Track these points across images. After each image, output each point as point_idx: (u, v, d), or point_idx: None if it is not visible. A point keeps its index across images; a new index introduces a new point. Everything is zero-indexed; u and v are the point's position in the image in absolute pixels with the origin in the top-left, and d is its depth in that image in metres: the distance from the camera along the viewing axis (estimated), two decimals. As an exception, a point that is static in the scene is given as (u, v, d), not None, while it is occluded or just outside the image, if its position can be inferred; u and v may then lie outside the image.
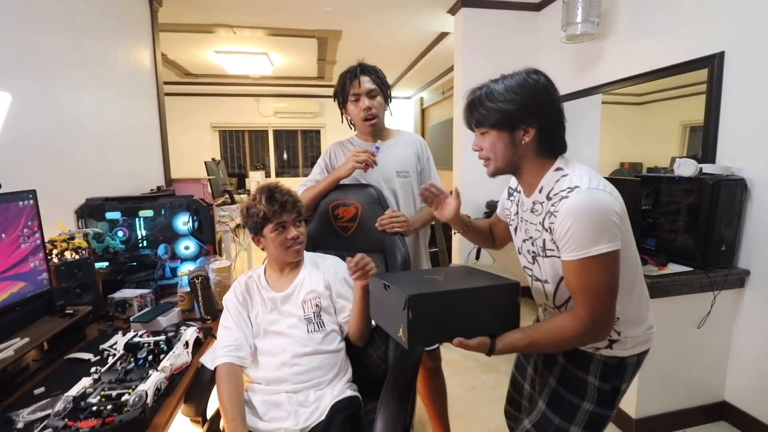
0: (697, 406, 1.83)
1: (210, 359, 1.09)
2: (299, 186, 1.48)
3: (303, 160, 7.45)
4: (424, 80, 5.92)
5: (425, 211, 1.48)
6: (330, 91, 5.94)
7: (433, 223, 2.07)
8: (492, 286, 0.86)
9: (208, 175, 3.25)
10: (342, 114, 1.50)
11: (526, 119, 0.87)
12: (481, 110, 0.90)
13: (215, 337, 1.28)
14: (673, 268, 1.74)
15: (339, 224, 1.38)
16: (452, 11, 3.11)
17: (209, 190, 3.15)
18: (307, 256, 1.27)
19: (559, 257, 0.86)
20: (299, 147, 7.41)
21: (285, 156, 7.40)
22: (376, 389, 1.14)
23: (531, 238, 0.96)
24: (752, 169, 1.67)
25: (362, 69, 1.40)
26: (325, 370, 1.10)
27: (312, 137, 7.40)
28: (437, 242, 3.11)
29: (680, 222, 1.79)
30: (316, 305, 1.16)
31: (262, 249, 1.23)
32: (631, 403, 1.76)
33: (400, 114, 7.20)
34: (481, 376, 2.32)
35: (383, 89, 1.42)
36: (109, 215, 1.58)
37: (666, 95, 2.23)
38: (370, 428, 1.01)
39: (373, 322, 1.16)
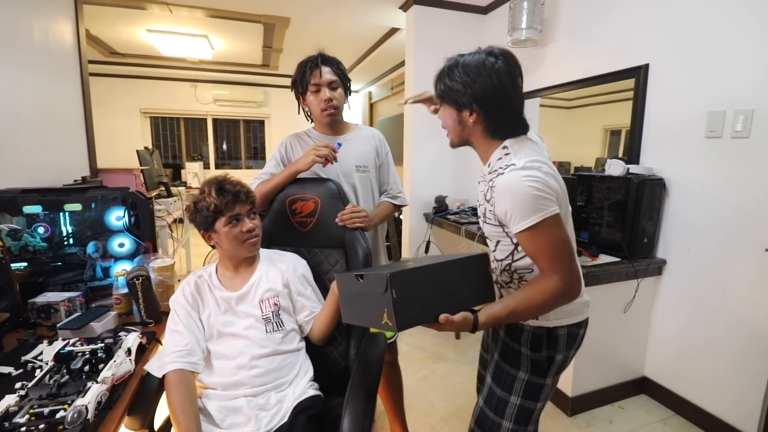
0: (622, 382, 2.04)
1: (157, 366, 1.01)
2: (253, 179, 1.41)
3: (246, 152, 7.12)
4: (374, 75, 5.90)
5: (384, 206, 1.48)
6: (276, 81, 5.73)
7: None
8: (466, 257, 0.89)
9: (141, 166, 2.98)
10: (300, 104, 1.45)
11: (470, 103, 0.92)
12: (440, 84, 0.97)
13: (160, 342, 1.18)
14: (604, 258, 1.91)
15: (297, 219, 1.33)
16: (404, 7, 3.12)
17: (143, 182, 2.89)
18: (263, 252, 1.21)
19: (496, 225, 0.94)
20: (241, 137, 7.06)
21: (225, 146, 7.01)
22: (338, 386, 1.13)
23: (478, 203, 1.04)
24: (670, 171, 1.88)
25: (323, 59, 1.36)
26: (285, 370, 1.07)
27: (255, 127, 7.08)
28: (389, 236, 3.13)
29: (609, 217, 1.97)
30: (275, 304, 1.12)
31: (213, 246, 1.16)
32: (567, 383, 1.92)
33: (351, 108, 7.13)
34: (432, 366, 2.39)
35: (344, 81, 1.39)
36: (28, 209, 1.38)
37: (591, 101, 2.44)
38: (334, 426, 1.00)
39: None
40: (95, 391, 0.82)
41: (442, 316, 0.81)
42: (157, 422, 1.06)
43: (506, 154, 0.92)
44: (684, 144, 1.82)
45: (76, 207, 1.43)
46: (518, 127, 0.96)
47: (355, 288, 0.87)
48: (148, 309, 1.26)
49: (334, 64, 1.37)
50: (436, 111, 1.15)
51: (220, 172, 1.17)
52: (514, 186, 0.85)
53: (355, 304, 0.89)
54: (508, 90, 0.92)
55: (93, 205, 1.45)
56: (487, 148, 0.98)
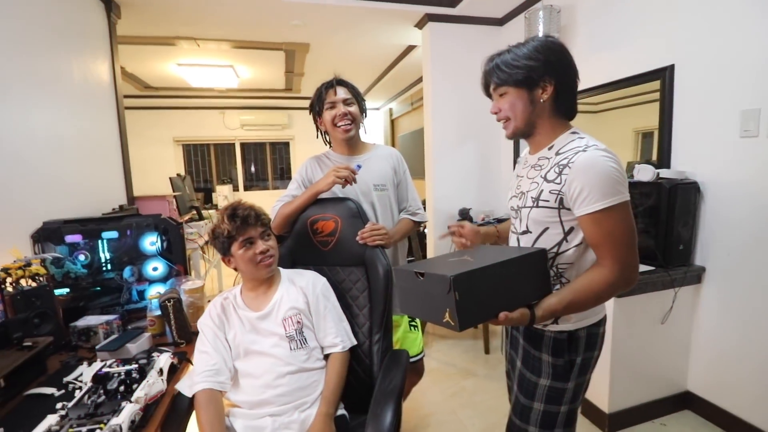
0: (663, 397, 1.92)
1: (187, 386, 1.04)
2: (276, 201, 1.45)
3: (272, 173, 7.33)
4: (393, 91, 6.00)
5: (404, 223, 1.49)
6: (299, 103, 5.90)
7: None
8: (527, 254, 0.88)
9: (174, 191, 3.13)
10: (317, 127, 1.50)
11: (546, 76, 0.91)
12: (504, 69, 0.94)
13: (191, 362, 1.22)
14: (637, 267, 1.83)
15: (318, 239, 1.36)
16: (419, 25, 3.18)
17: (175, 207, 3.03)
18: (284, 273, 1.25)
19: (555, 208, 0.90)
20: (268, 159, 7.29)
21: (253, 169, 7.25)
22: (363, 405, 1.13)
23: (521, 192, 1.00)
24: (703, 173, 1.80)
25: (339, 81, 1.43)
26: (310, 389, 1.08)
27: (281, 149, 7.31)
28: (413, 252, 3.12)
29: (641, 224, 1.89)
30: (298, 322, 1.14)
31: (235, 269, 1.20)
32: (603, 398, 1.83)
33: (370, 125, 7.25)
34: (461, 382, 2.33)
35: (359, 100, 1.43)
36: (69, 238, 1.48)
37: (620, 104, 2.36)
38: (358, 446, 1.00)
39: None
40: (129, 411, 0.86)
41: (502, 315, 0.81)
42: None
43: (580, 138, 0.92)
44: (717, 145, 1.74)
45: (113, 234, 1.52)
46: (577, 108, 0.98)
47: (412, 285, 0.87)
48: (180, 330, 1.31)
49: (348, 85, 1.43)
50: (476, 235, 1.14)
51: (236, 199, 1.23)
52: (599, 163, 0.83)
53: (413, 298, 0.88)
54: (574, 65, 0.95)
55: (128, 232, 1.54)
56: (551, 131, 0.96)
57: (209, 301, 1.26)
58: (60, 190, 1.90)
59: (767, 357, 1.63)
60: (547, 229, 0.94)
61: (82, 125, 2.19)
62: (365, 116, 1.50)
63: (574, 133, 0.95)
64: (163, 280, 1.59)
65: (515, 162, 1.18)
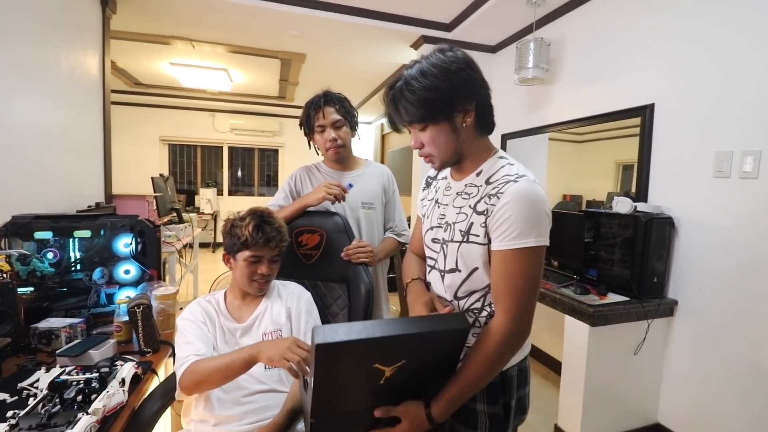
0: (634, 428, 1.93)
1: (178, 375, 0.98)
2: None
3: (259, 179, 7.27)
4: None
5: (388, 242, 1.49)
6: (291, 111, 5.89)
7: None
8: (438, 330, 0.73)
9: (155, 192, 3.06)
10: (309, 141, 1.50)
11: (463, 100, 0.80)
12: (408, 106, 0.80)
13: (156, 373, 1.18)
14: (612, 297, 1.86)
15: (302, 251, 1.35)
16: (415, 46, 3.25)
17: (155, 208, 2.96)
18: (272, 284, 1.22)
19: (485, 245, 0.81)
20: (256, 165, 7.23)
21: (240, 173, 7.17)
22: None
23: (447, 223, 0.89)
24: (678, 209, 1.86)
25: (326, 99, 1.40)
26: (278, 410, 1.04)
27: (270, 156, 7.26)
28: (395, 269, 3.11)
29: (618, 254, 1.93)
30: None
31: (230, 269, 1.17)
32: (575, 427, 1.83)
33: (362, 139, 7.29)
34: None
35: (349, 119, 1.43)
36: (39, 235, 1.42)
37: (603, 135, 2.44)
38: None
39: None
40: (84, 424, 0.81)
41: (378, 411, 0.76)
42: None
43: (509, 164, 0.84)
44: (692, 183, 1.80)
45: (86, 234, 1.47)
46: (494, 122, 0.88)
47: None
48: (147, 338, 1.26)
49: (337, 102, 1.41)
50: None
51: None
52: (532, 198, 0.76)
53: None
54: (481, 75, 0.84)
55: (102, 232, 1.49)
56: (477, 156, 0.87)
57: (182, 308, 1.22)
58: (34, 182, 1.84)
59: (734, 392, 1.66)
60: (477, 269, 0.84)
61: (64, 117, 2.13)
62: (357, 130, 1.50)
63: (501, 158, 0.87)
64: (135, 284, 1.53)
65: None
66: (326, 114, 1.38)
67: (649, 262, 1.81)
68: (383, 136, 7.05)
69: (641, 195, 2.00)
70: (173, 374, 1.04)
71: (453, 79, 0.79)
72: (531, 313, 0.80)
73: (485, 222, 0.80)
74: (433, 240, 0.94)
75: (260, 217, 1.11)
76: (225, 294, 1.19)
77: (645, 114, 1.97)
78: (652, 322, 1.83)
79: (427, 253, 0.98)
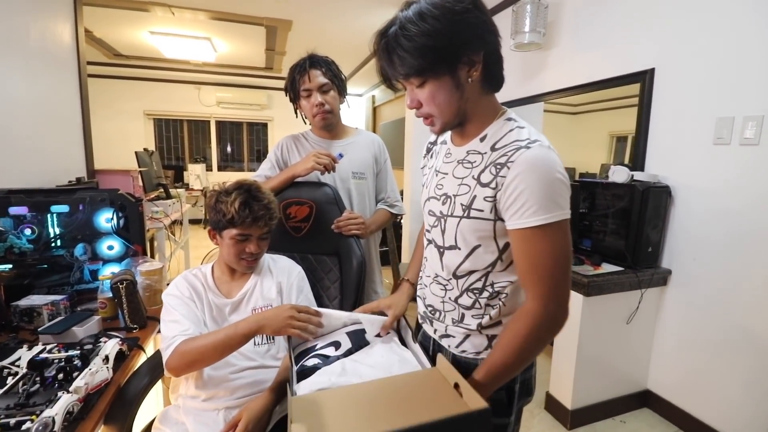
0: (624, 395, 1.97)
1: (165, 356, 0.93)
2: None
3: (248, 154, 7.11)
4: (377, 78, 5.87)
5: (380, 214, 1.44)
6: (279, 83, 5.70)
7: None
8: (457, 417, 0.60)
9: (140, 167, 2.96)
10: (295, 109, 1.42)
11: (469, 49, 0.68)
12: (403, 56, 0.68)
13: (143, 349, 1.15)
14: (607, 267, 1.85)
15: (291, 224, 1.30)
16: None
17: (140, 183, 2.87)
18: (262, 257, 1.16)
19: (491, 220, 0.72)
20: (244, 140, 7.06)
21: (229, 149, 7.01)
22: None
23: (445, 195, 0.80)
24: (675, 178, 1.83)
25: (312, 62, 1.32)
26: (267, 385, 1.02)
27: (259, 130, 7.09)
28: (388, 242, 3.09)
29: (613, 225, 1.91)
30: None
31: (216, 245, 1.12)
32: (567, 395, 1.86)
33: (352, 111, 7.13)
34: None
35: (336, 83, 1.35)
36: (14, 210, 1.35)
37: (597, 107, 2.39)
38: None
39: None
40: (64, 402, 0.78)
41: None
42: (136, 430, 1.02)
43: (519, 127, 0.73)
44: (691, 151, 1.77)
45: (63, 209, 1.40)
46: (503, 77, 0.76)
47: None
48: (133, 314, 1.23)
49: (323, 65, 1.33)
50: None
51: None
52: (544, 166, 0.66)
53: None
54: (491, 19, 0.72)
55: (81, 207, 1.42)
56: (483, 117, 0.76)
57: (169, 284, 1.17)
58: (7, 156, 1.75)
59: (727, 362, 1.69)
60: (479, 246, 0.76)
61: (37, 88, 2.01)
62: (345, 95, 1.42)
63: (510, 120, 0.75)
64: (119, 260, 1.48)
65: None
66: (312, 77, 1.30)
67: (645, 232, 1.79)
68: (374, 109, 6.89)
69: (638, 164, 1.96)
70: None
71: (458, 22, 0.66)
72: (566, 295, 0.71)
73: (494, 196, 0.70)
74: (430, 212, 0.85)
75: (247, 193, 1.02)
76: (212, 268, 1.13)
77: (645, 79, 1.91)
78: (646, 292, 1.84)
79: (426, 226, 0.90)
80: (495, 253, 0.76)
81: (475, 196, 0.74)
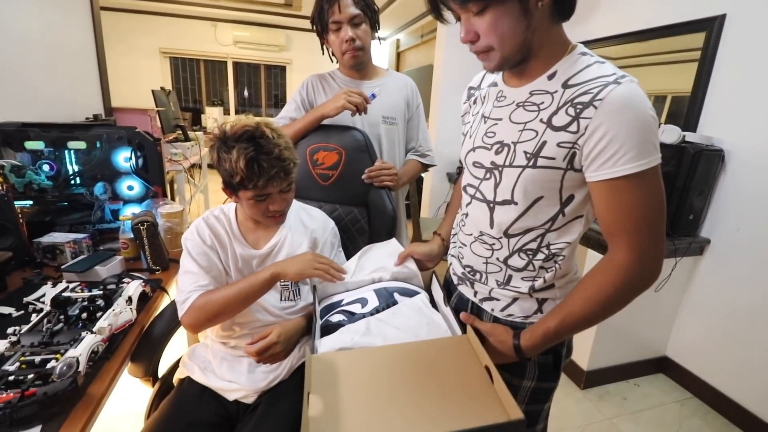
0: (641, 360, 1.95)
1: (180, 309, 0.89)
2: None
3: (266, 99, 6.93)
4: (402, 20, 5.49)
5: (411, 164, 1.35)
6: (299, 23, 5.37)
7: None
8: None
9: (157, 106, 2.88)
10: (322, 44, 1.29)
11: None
12: None
13: (166, 291, 1.14)
14: (641, 234, 1.76)
15: (318, 171, 1.22)
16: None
17: (159, 124, 2.81)
18: (293, 206, 1.04)
19: (563, 170, 0.64)
20: (262, 83, 6.85)
21: (246, 93, 6.83)
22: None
23: (500, 143, 0.71)
24: (731, 141, 1.66)
25: None
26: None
27: (277, 74, 6.84)
28: (410, 195, 3.01)
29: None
30: None
31: (234, 202, 0.99)
32: (584, 356, 1.85)
33: (375, 56, 6.77)
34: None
35: (369, 14, 1.21)
36: (30, 145, 1.32)
37: (635, 62, 2.13)
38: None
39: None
40: (88, 343, 0.77)
41: (464, 314, 0.69)
42: (161, 370, 1.03)
43: (599, 62, 0.64)
44: (755, 112, 1.58)
45: (81, 145, 1.36)
46: (575, 4, 0.65)
47: None
48: (155, 256, 1.21)
49: None
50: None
51: (262, 119, 0.92)
52: (642, 104, 0.57)
53: None
54: None
55: (98, 144, 1.37)
56: (551, 51, 0.66)
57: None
58: (23, 89, 1.69)
59: (753, 335, 1.63)
60: (540, 198, 0.67)
61: (48, 21, 1.91)
62: (378, 30, 1.28)
63: (584, 54, 0.65)
64: (139, 200, 1.46)
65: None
66: (342, 7, 1.16)
67: (689, 199, 1.67)
68: (398, 54, 6.51)
69: (690, 124, 1.79)
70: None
71: None
72: (663, 249, 0.63)
73: (573, 141, 0.61)
74: (476, 164, 0.76)
75: (252, 146, 0.84)
76: (236, 210, 1.00)
77: (712, 27, 1.68)
78: (680, 260, 1.75)
79: (467, 179, 0.80)
80: (557, 207, 0.68)
81: (544, 142, 0.64)
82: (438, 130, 2.96)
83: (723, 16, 1.66)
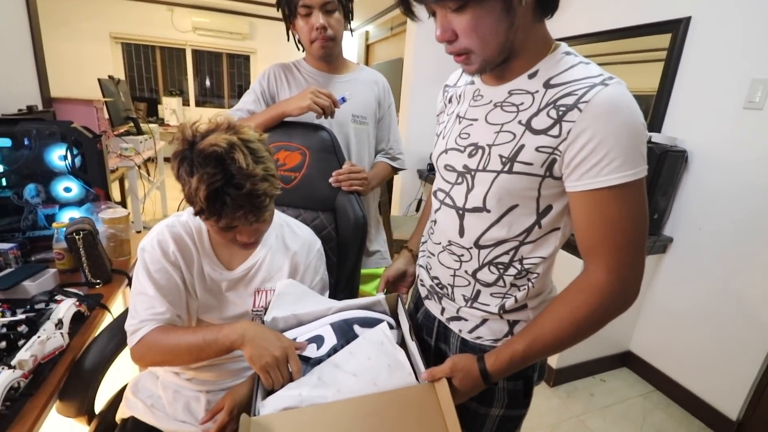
0: (606, 355, 2.00)
1: (130, 332, 0.76)
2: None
3: (229, 89, 6.61)
4: (372, 12, 5.37)
5: (381, 167, 1.27)
6: (263, 10, 5.12)
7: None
8: None
9: (104, 96, 2.65)
10: (288, 30, 1.18)
11: None
12: None
13: (108, 309, 1.01)
14: (608, 233, 1.77)
15: (280, 172, 1.12)
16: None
17: (106, 116, 2.58)
18: (275, 220, 0.87)
19: (540, 177, 0.59)
20: (224, 73, 6.52)
21: (208, 83, 6.48)
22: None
23: (475, 146, 0.65)
24: (694, 142, 1.70)
25: None
26: None
27: (240, 63, 6.53)
28: (381, 196, 2.95)
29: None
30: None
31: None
32: (553, 356, 1.86)
33: (344, 49, 6.61)
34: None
35: (343, 1, 1.11)
36: (-58, 140, 1.14)
37: (606, 60, 2.16)
38: None
39: None
40: (4, 380, 0.65)
41: (425, 373, 0.63)
42: (98, 405, 0.91)
43: (583, 63, 0.59)
44: (717, 113, 1.63)
45: (6, 142, 1.19)
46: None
47: None
48: (94, 268, 1.08)
49: None
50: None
51: (192, 112, 0.78)
52: (631, 109, 0.53)
53: None
54: None
55: (26, 141, 1.21)
56: (533, 50, 0.61)
57: (144, 227, 1.00)
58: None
59: (713, 330, 1.68)
60: (515, 207, 0.62)
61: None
62: (351, 20, 1.18)
63: (568, 53, 0.61)
64: (78, 204, 1.30)
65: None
66: None
67: (654, 198, 1.70)
68: (367, 47, 6.39)
69: (656, 125, 1.82)
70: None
71: None
72: (642, 267, 0.59)
73: (553, 146, 0.56)
74: (448, 167, 0.70)
75: (220, 173, 0.65)
76: (209, 230, 0.84)
77: (678, 29, 1.71)
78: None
79: (437, 183, 0.74)
80: (532, 217, 0.62)
81: (522, 146, 0.59)
82: (408, 126, 2.90)
83: (688, 19, 1.69)
